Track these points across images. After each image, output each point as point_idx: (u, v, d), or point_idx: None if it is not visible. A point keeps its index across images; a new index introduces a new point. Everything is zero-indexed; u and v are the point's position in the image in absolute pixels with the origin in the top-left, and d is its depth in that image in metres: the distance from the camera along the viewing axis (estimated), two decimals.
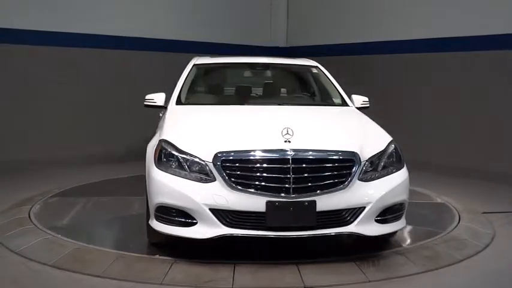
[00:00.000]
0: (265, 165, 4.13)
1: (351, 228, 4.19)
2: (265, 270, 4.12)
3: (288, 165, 4.09)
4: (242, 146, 4.25)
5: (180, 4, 9.99)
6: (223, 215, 4.09)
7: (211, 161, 4.14)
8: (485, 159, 7.99)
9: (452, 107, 8.52)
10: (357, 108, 5.57)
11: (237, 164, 4.14)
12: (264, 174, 4.10)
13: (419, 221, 5.56)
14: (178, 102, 5.49)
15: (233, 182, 4.08)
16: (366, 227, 4.22)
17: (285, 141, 4.21)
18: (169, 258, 4.25)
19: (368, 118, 5.18)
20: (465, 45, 8.28)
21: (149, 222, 4.40)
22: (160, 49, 9.55)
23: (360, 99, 5.67)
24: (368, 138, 4.57)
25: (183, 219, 4.17)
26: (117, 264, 4.19)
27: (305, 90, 6.46)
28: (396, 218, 4.45)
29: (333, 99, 5.78)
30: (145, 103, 5.57)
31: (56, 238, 4.77)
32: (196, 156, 4.20)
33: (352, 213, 4.20)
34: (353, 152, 4.26)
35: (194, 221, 4.13)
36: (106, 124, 8.93)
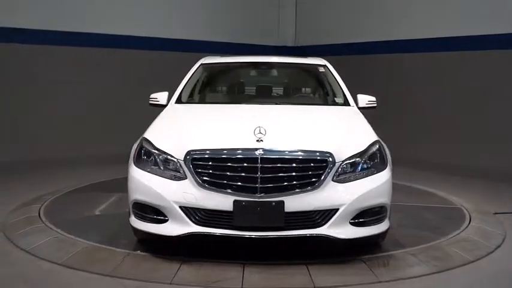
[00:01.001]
0: (234, 164, 4.10)
1: (322, 230, 4.09)
2: (274, 271, 4.11)
3: (256, 165, 4.04)
4: (212, 145, 4.26)
5: (188, 4, 9.98)
6: (193, 213, 4.11)
7: (182, 159, 4.16)
8: (497, 160, 7.94)
9: (464, 107, 8.47)
10: (361, 108, 5.47)
11: (206, 163, 4.14)
12: (233, 173, 4.07)
13: (429, 221, 5.58)
14: (178, 101, 5.57)
15: (202, 180, 4.09)
16: (339, 229, 4.11)
17: (257, 141, 4.16)
18: (178, 257, 4.24)
19: (363, 118, 5.04)
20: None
21: (129, 219, 4.46)
22: (168, 48, 9.55)
23: (365, 99, 5.55)
24: (349, 138, 4.45)
25: (155, 216, 4.23)
26: (126, 263, 4.19)
27: (308, 90, 6.42)
28: (376, 221, 4.29)
29: (335, 98, 5.73)
30: (150, 102, 5.63)
31: (66, 237, 4.78)
32: (170, 155, 4.25)
33: (324, 215, 4.10)
34: (326, 152, 4.16)
35: (165, 218, 4.19)
36: (119, 124, 8.94)
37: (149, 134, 4.56)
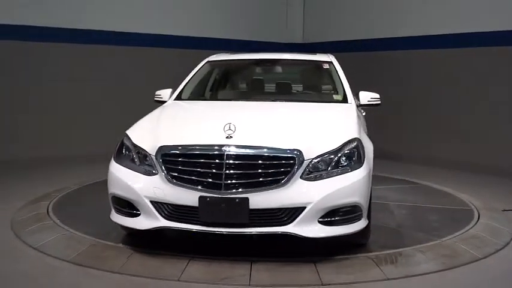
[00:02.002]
0: (201, 160, 4.12)
1: (289, 228, 4.04)
2: (282, 268, 4.11)
3: (222, 161, 4.04)
4: (182, 141, 4.29)
5: (197, 2, 9.98)
6: (162, 208, 4.17)
7: (154, 155, 4.21)
8: (506, 157, 7.90)
9: (474, 105, 8.43)
10: (364, 105, 5.45)
11: (175, 158, 4.18)
12: (199, 169, 4.08)
13: (438, 218, 5.55)
14: (178, 97, 5.65)
15: (171, 175, 4.13)
16: (306, 228, 4.04)
17: (227, 137, 4.15)
18: (186, 255, 4.25)
19: (353, 116, 4.94)
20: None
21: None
22: (177, 46, 9.57)
23: (367, 96, 5.47)
24: (324, 136, 4.35)
25: (129, 210, 4.31)
26: (134, 260, 4.20)
27: (310, 86, 6.33)
28: (348, 221, 4.17)
29: (334, 95, 5.69)
30: (155, 99, 5.71)
31: (74, 234, 4.80)
32: (145, 150, 4.31)
33: (290, 213, 4.04)
34: (294, 150, 4.10)
35: (138, 212, 4.25)
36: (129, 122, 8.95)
37: (130, 130, 4.67)
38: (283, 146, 4.14)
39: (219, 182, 4.01)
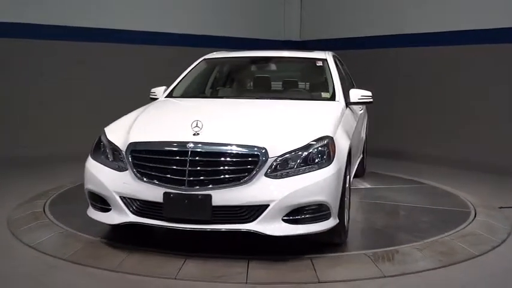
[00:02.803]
0: (166, 156, 4.16)
1: (251, 226, 4.02)
2: (279, 265, 4.11)
3: (186, 158, 4.07)
4: (151, 137, 4.38)
5: (195, 0, 9.98)
6: (131, 203, 4.24)
7: (125, 151, 4.30)
8: (503, 154, 7.91)
9: (471, 103, 8.43)
10: (353, 103, 5.43)
11: (142, 155, 4.24)
12: (164, 166, 4.13)
13: (435, 215, 5.57)
14: (169, 95, 5.75)
15: (138, 171, 4.19)
16: (269, 225, 4.02)
17: (194, 134, 4.17)
18: (183, 253, 4.25)
19: (334, 114, 4.93)
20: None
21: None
22: (174, 44, 9.57)
23: (357, 94, 5.43)
24: (292, 134, 4.32)
25: (102, 205, 4.41)
26: (131, 259, 4.20)
27: (300, 83, 6.31)
28: (314, 220, 4.13)
29: (323, 93, 5.67)
30: (150, 96, 5.81)
31: (71, 232, 4.80)
32: (117, 146, 4.39)
33: (253, 211, 4.02)
34: (259, 147, 4.08)
35: (109, 208, 4.34)
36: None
37: (108, 127, 4.75)
38: (247, 143, 4.13)
39: (182, 178, 4.05)
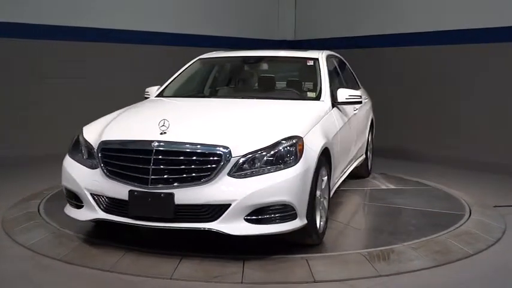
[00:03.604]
0: (131, 155, 4.21)
1: (213, 225, 4.02)
2: (275, 265, 4.12)
3: (150, 156, 4.10)
4: (119, 136, 4.45)
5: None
6: (100, 200, 4.32)
7: (96, 149, 4.39)
8: (497, 153, 7.93)
9: (466, 102, 8.46)
10: (341, 102, 5.37)
11: (111, 153, 4.32)
12: (130, 164, 4.18)
13: (430, 214, 5.59)
14: (160, 94, 5.83)
15: (107, 169, 4.27)
16: (231, 225, 4.01)
17: (161, 133, 4.21)
18: (179, 253, 4.25)
19: (312, 114, 4.89)
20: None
21: None
22: (168, 43, 9.57)
23: (345, 94, 5.37)
24: (259, 133, 4.30)
25: (75, 202, 4.50)
26: (126, 259, 4.20)
27: (289, 83, 6.24)
28: (278, 220, 4.10)
29: (309, 92, 5.64)
30: (144, 96, 5.90)
31: (65, 232, 4.79)
32: (90, 144, 4.49)
33: (215, 210, 4.03)
34: (222, 146, 4.09)
35: (82, 204, 4.42)
36: None
37: (87, 125, 4.82)
38: (211, 143, 4.14)
39: (146, 176, 4.08)
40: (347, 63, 7.17)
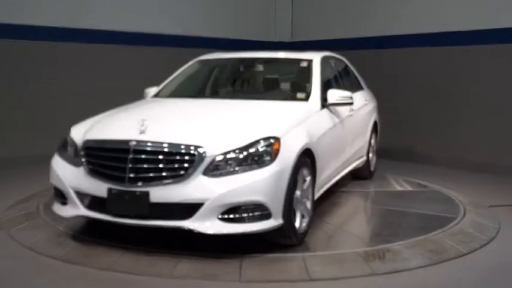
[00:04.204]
0: (111, 154, 4.31)
1: (187, 223, 4.07)
2: (271, 264, 4.18)
3: (127, 155, 4.18)
4: (101, 135, 4.54)
5: (187, 2, 9.99)
6: (83, 197, 4.43)
7: (80, 148, 4.50)
8: (493, 153, 7.97)
9: (458, 103, 8.49)
10: (332, 104, 5.38)
11: (92, 151, 4.43)
12: (109, 163, 4.28)
13: (425, 214, 5.64)
14: (156, 95, 5.94)
15: (88, 167, 4.39)
16: (204, 223, 4.05)
17: (140, 133, 4.28)
18: (177, 252, 4.30)
19: (293, 114, 4.93)
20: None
21: None
22: (169, 44, 9.61)
23: (335, 95, 5.39)
24: (235, 133, 4.33)
25: (61, 199, 4.61)
26: (125, 258, 4.25)
27: (283, 85, 6.25)
28: (252, 219, 4.12)
29: (298, 93, 5.59)
30: (144, 96, 5.98)
31: (65, 232, 4.84)
32: (76, 143, 4.60)
33: (189, 208, 4.07)
34: (196, 146, 4.13)
35: (66, 201, 4.55)
36: None
37: (75, 125, 4.92)
38: (186, 142, 4.18)
39: (123, 175, 4.17)
40: (349, 65, 7.18)
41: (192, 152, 4.13)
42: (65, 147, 4.73)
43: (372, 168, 7.40)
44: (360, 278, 4.00)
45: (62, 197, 4.59)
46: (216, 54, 6.64)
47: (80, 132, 4.67)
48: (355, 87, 6.94)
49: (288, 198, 4.26)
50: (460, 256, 4.47)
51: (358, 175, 7.10)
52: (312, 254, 4.37)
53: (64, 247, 4.50)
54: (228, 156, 4.14)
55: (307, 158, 4.64)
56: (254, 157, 4.17)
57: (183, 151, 4.14)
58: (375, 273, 4.07)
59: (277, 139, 4.29)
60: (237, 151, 4.16)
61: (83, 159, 4.43)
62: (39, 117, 8.46)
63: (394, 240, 4.75)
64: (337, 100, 5.40)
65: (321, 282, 3.92)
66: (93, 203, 4.38)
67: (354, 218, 5.67)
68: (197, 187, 4.07)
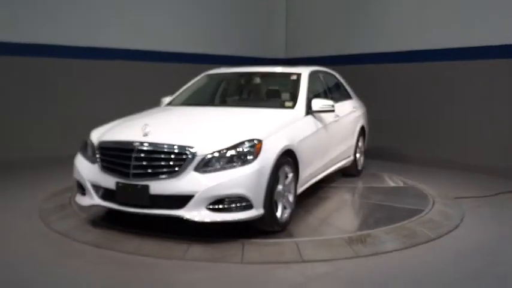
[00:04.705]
0: (119, 153, 4.42)
1: (180, 212, 4.14)
2: (269, 247, 4.20)
3: (131, 154, 4.29)
4: (112, 137, 4.64)
5: (185, 20, 9.96)
6: (98, 189, 4.55)
7: (96, 148, 4.62)
8: (467, 153, 7.95)
9: (440, 106, 8.48)
10: (316, 111, 5.37)
11: (105, 151, 4.54)
12: (117, 160, 4.39)
13: (400, 205, 5.65)
14: (169, 103, 6.02)
15: (101, 164, 4.51)
16: (195, 212, 4.12)
17: (144, 135, 4.39)
18: (188, 238, 4.33)
19: (277, 120, 4.92)
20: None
21: None
22: (181, 61, 9.63)
23: (319, 104, 5.39)
24: (223, 135, 4.39)
25: (82, 191, 4.74)
26: (145, 243, 4.27)
27: (273, 94, 6.16)
28: (236, 209, 4.17)
29: (286, 102, 5.58)
30: (160, 105, 6.05)
31: (93, 221, 4.87)
32: (93, 144, 4.72)
33: (182, 199, 4.13)
34: (189, 146, 4.20)
35: (85, 192, 4.68)
36: None
37: (95, 129, 5.01)
38: (180, 143, 4.27)
39: (128, 171, 4.28)
40: (338, 77, 7.13)
41: (185, 151, 4.21)
42: (85, 148, 4.83)
43: (359, 167, 7.29)
44: (345, 260, 4.03)
45: (81, 188, 4.73)
46: (221, 69, 6.66)
47: (97, 135, 4.80)
48: (343, 96, 6.94)
49: (268, 191, 4.31)
50: (430, 241, 4.51)
51: (347, 173, 7.06)
52: (304, 239, 4.39)
53: (93, 234, 4.53)
54: (216, 155, 4.21)
55: (289, 158, 4.66)
56: (239, 156, 4.23)
57: (177, 150, 4.23)
58: (358, 255, 4.11)
59: (259, 141, 4.34)
60: (224, 151, 4.22)
61: (98, 157, 4.55)
62: (70, 122, 8.48)
63: (374, 227, 4.78)
64: (320, 108, 5.41)
65: (311, 263, 3.96)
66: (105, 194, 4.50)
67: (338, 209, 5.67)
68: (188, 181, 4.14)
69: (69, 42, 8.43)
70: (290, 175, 4.72)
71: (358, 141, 7.12)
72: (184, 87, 6.33)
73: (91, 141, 4.78)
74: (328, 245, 4.30)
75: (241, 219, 4.21)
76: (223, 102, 6.28)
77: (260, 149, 4.30)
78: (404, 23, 8.88)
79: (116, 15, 8.95)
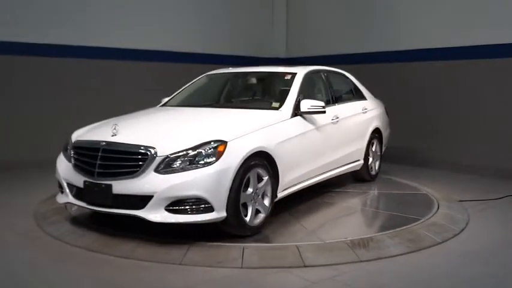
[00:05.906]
0: (87, 152, 4.51)
1: (140, 212, 4.13)
2: (270, 252, 4.13)
3: (97, 154, 4.36)
4: (84, 137, 4.75)
5: (187, 20, 9.94)
6: (71, 188, 4.65)
7: (71, 146, 4.73)
8: (471, 155, 7.87)
9: (443, 107, 8.40)
10: (304, 112, 5.21)
11: (76, 150, 4.65)
12: (85, 159, 4.49)
13: (404, 208, 5.57)
14: (164, 104, 6.01)
15: (73, 163, 4.62)
16: (153, 213, 4.10)
17: (112, 135, 4.44)
18: (187, 241, 4.25)
19: (252, 121, 4.84)
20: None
21: None
22: (178, 61, 9.59)
23: (307, 105, 5.20)
24: (186, 136, 4.36)
25: (60, 189, 4.85)
26: (140, 247, 4.20)
27: (264, 94, 6.17)
28: (194, 211, 4.11)
29: (273, 103, 5.43)
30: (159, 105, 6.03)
31: (88, 225, 4.79)
32: (71, 143, 4.80)
33: (142, 200, 4.12)
34: (149, 147, 4.19)
35: (62, 191, 4.79)
36: None
37: (77, 130, 5.08)
38: (141, 143, 4.29)
39: (93, 170, 4.35)
40: (349, 77, 6.94)
41: (145, 152, 4.21)
42: (66, 147, 4.91)
43: (373, 172, 6.98)
44: (348, 264, 3.96)
45: (60, 187, 4.83)
46: (221, 69, 6.57)
47: (76, 135, 4.89)
48: (353, 97, 6.76)
49: (233, 194, 4.22)
50: (435, 245, 4.45)
51: (358, 177, 6.83)
52: (305, 243, 4.31)
53: (87, 237, 4.46)
54: (177, 155, 4.18)
55: (264, 160, 4.55)
56: (199, 157, 4.18)
57: (138, 151, 4.24)
58: (360, 259, 4.04)
59: (223, 142, 4.26)
60: (184, 151, 4.19)
61: (72, 156, 4.65)
62: (71, 123, 8.38)
63: (377, 231, 4.71)
64: (308, 109, 5.23)
65: (313, 268, 3.89)
66: (77, 192, 4.58)
67: (341, 214, 5.58)
68: (148, 182, 4.13)
69: (79, 42, 8.44)
70: (265, 178, 4.58)
71: (370, 144, 6.82)
72: (183, 88, 6.29)
73: (70, 141, 4.87)
74: (330, 249, 4.22)
75: (201, 221, 4.15)
76: (215, 103, 6.17)
77: (223, 150, 4.22)
78: (419, 21, 8.73)
79: (119, 16, 8.91)
